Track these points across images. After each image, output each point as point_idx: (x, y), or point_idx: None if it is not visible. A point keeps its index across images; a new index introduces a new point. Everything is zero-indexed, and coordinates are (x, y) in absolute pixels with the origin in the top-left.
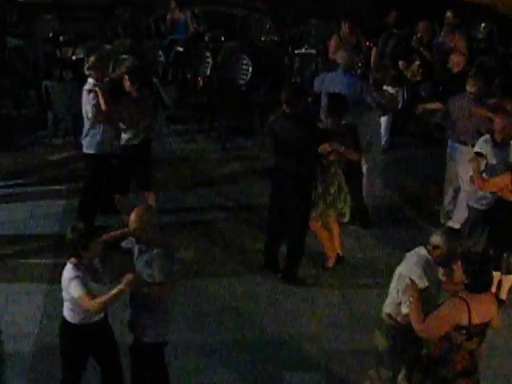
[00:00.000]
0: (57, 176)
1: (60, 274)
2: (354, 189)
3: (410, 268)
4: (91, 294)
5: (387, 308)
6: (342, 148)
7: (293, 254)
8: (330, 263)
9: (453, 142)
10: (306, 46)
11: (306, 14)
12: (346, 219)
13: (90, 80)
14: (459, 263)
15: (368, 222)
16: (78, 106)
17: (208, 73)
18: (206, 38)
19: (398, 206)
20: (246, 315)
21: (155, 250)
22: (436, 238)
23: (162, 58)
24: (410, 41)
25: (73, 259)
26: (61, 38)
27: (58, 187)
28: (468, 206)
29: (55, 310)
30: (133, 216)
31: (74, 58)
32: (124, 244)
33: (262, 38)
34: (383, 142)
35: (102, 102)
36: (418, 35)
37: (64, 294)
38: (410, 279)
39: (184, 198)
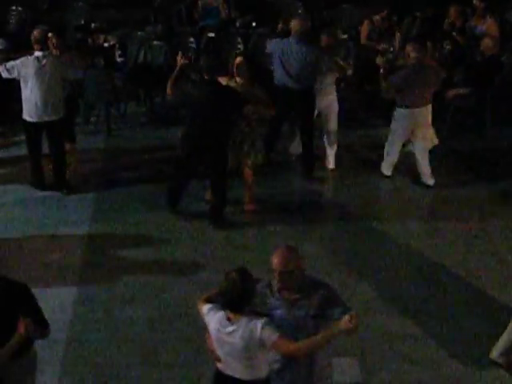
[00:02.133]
0: (88, 164)
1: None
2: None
3: None
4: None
5: None
6: (261, 107)
7: (218, 203)
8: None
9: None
10: (337, 31)
11: None
12: (261, 162)
13: (39, 52)
14: None
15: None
16: (110, 94)
17: None
18: (238, 24)
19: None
20: None
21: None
22: None
23: (193, 44)
24: (436, 24)
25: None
26: (92, 25)
27: (91, 173)
28: None
29: (87, 298)
30: (277, 258)
31: (105, 45)
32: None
33: None
34: None
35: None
36: (450, 20)
37: (241, 352)
38: None
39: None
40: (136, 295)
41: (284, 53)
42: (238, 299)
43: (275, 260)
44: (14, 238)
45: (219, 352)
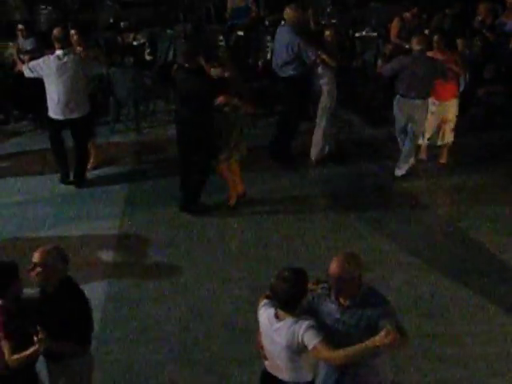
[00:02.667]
0: (118, 162)
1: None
2: None
3: None
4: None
5: None
6: (235, 100)
7: (189, 189)
8: (233, 202)
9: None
10: (366, 29)
11: None
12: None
13: (60, 51)
14: None
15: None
16: (140, 92)
17: (268, 57)
18: (267, 22)
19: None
20: None
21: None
22: None
23: (222, 43)
24: (466, 21)
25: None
26: (122, 24)
27: (121, 171)
28: None
29: (118, 295)
30: (335, 264)
31: (134, 43)
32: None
33: (323, 22)
34: None
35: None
36: (480, 17)
37: (284, 352)
38: None
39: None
40: (166, 293)
41: (276, 40)
42: (287, 298)
43: (332, 265)
44: (45, 236)
45: (266, 349)
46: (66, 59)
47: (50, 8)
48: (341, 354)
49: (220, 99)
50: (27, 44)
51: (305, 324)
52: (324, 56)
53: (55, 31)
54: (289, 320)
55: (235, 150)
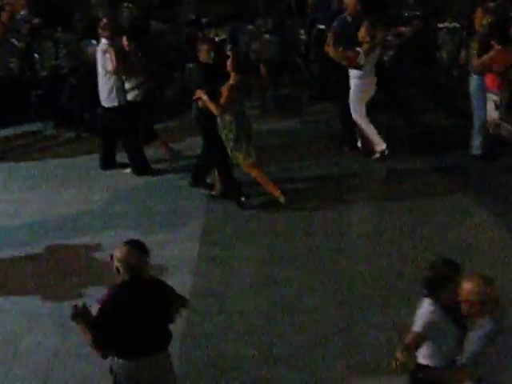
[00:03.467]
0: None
1: None
2: None
3: None
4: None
5: None
6: (205, 97)
7: (225, 187)
8: (283, 199)
9: None
10: (449, 20)
11: None
12: (253, 159)
13: (104, 40)
14: None
15: None
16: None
17: None
18: None
19: None
20: None
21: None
22: None
23: (303, 37)
24: None
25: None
26: (203, 20)
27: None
28: None
29: (202, 290)
30: (468, 285)
31: (216, 39)
32: None
33: (405, 13)
34: None
35: (114, 59)
36: None
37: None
38: None
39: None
40: (252, 287)
41: None
42: (425, 281)
43: (463, 286)
44: (128, 231)
45: None
46: (99, 49)
47: (131, 5)
48: (406, 355)
49: (197, 93)
50: None
51: (426, 311)
52: (330, 46)
53: (101, 22)
54: (426, 302)
55: (236, 149)
